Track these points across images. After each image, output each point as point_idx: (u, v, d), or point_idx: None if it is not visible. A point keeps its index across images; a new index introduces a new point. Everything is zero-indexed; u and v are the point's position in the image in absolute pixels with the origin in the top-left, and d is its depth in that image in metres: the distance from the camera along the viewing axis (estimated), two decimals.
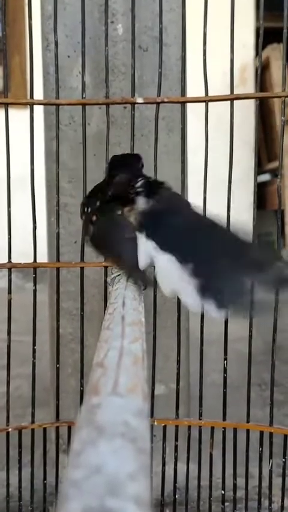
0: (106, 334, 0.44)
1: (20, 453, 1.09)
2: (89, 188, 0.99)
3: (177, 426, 1.11)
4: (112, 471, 0.22)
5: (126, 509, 0.20)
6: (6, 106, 1.03)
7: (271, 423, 1.06)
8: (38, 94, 1.16)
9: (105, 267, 1.05)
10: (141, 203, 0.72)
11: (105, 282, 0.83)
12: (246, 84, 3.96)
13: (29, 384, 1.09)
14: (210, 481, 1.11)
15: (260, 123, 4.00)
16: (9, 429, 1.07)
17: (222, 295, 0.54)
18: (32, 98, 1.05)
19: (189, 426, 1.11)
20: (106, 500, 0.20)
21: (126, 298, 0.57)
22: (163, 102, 1.04)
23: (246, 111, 3.59)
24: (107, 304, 0.58)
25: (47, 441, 1.11)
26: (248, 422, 1.08)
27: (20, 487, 1.10)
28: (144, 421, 0.28)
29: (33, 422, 1.09)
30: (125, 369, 0.35)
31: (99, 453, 0.24)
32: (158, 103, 1.04)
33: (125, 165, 0.85)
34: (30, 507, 1.13)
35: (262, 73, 3.70)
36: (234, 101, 1.04)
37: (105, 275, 1.06)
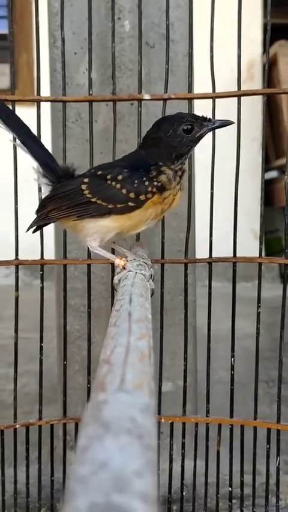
0: (113, 331, 0.44)
1: (27, 449, 1.09)
2: None
3: (184, 424, 1.11)
4: (118, 467, 0.22)
5: (132, 506, 0.20)
6: (13, 103, 1.03)
7: (278, 420, 1.06)
8: (45, 91, 1.16)
9: (112, 264, 1.05)
10: None
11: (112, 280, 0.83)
12: (254, 80, 3.94)
13: (37, 381, 1.09)
14: (218, 478, 1.11)
15: (268, 119, 3.98)
16: (17, 426, 1.08)
17: None
18: (39, 95, 1.05)
19: (197, 423, 1.11)
20: (112, 496, 0.20)
21: (133, 295, 0.56)
22: (170, 98, 1.04)
23: (253, 108, 3.58)
24: (114, 301, 0.58)
25: (54, 438, 1.11)
26: (255, 419, 1.08)
27: (27, 483, 1.10)
28: (151, 417, 0.28)
29: (40, 418, 1.09)
30: (131, 366, 0.35)
31: (106, 449, 0.24)
32: (165, 100, 1.03)
33: None
34: (37, 503, 1.13)
35: (270, 69, 3.68)
36: (242, 98, 1.04)
37: (113, 272, 1.06)
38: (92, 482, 0.21)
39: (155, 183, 0.80)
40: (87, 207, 0.83)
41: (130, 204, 0.80)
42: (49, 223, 0.92)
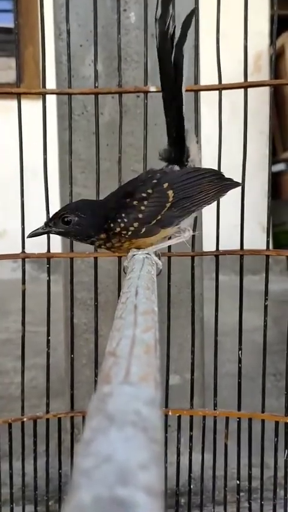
0: (118, 323, 0.44)
1: (35, 443, 1.09)
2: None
3: (191, 417, 1.11)
4: (123, 460, 0.22)
5: (136, 499, 0.20)
6: (18, 96, 1.03)
7: (287, 413, 1.06)
8: (51, 84, 1.16)
9: (119, 257, 1.05)
10: None
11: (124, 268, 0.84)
12: (261, 72, 3.92)
13: (45, 375, 1.10)
14: (225, 471, 1.11)
15: (275, 112, 3.96)
16: (24, 419, 1.08)
17: None
18: (45, 87, 1.04)
19: (204, 417, 1.11)
20: (116, 489, 0.20)
21: (139, 288, 0.56)
22: None
23: (260, 100, 3.56)
24: (120, 294, 0.58)
25: (62, 431, 1.11)
26: (263, 412, 1.08)
27: (35, 476, 1.11)
28: (156, 410, 0.28)
29: (48, 412, 1.09)
30: (137, 358, 0.35)
31: (110, 442, 0.23)
32: None
33: None
34: (45, 496, 1.14)
35: (277, 60, 3.66)
36: (249, 90, 1.03)
37: (119, 265, 1.06)
38: (96, 475, 0.21)
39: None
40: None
41: None
42: None
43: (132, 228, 0.79)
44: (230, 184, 0.88)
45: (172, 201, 0.80)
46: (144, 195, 0.80)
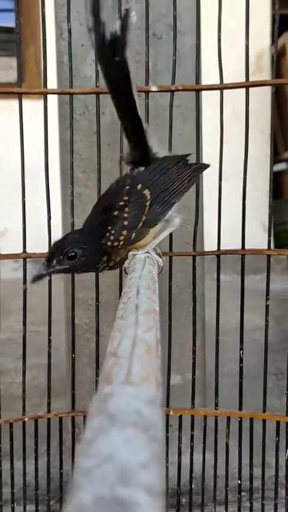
0: (120, 323, 0.44)
1: (36, 442, 1.09)
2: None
3: (193, 416, 1.11)
4: (124, 460, 0.22)
5: (137, 499, 0.20)
6: (20, 95, 1.03)
7: None
8: (53, 84, 1.16)
9: None
10: None
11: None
12: (263, 72, 3.92)
13: (46, 374, 1.10)
14: (227, 471, 1.11)
15: (277, 111, 3.96)
16: (26, 419, 1.08)
17: None
18: (46, 87, 1.04)
19: (205, 416, 1.11)
20: (117, 489, 0.20)
21: (140, 287, 0.56)
22: (178, 90, 1.03)
23: (262, 100, 3.54)
24: (121, 294, 0.58)
25: (63, 431, 1.11)
26: (264, 411, 1.08)
27: (36, 476, 1.11)
28: (157, 410, 0.28)
29: (49, 411, 1.09)
30: (138, 358, 0.35)
31: (111, 442, 0.23)
32: (172, 91, 1.03)
33: None
34: (46, 496, 1.14)
35: (278, 60, 3.66)
36: (250, 90, 1.03)
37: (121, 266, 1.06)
38: (97, 475, 0.21)
39: None
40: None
41: None
42: None
43: (122, 237, 0.79)
44: (200, 167, 0.89)
45: (150, 198, 0.80)
46: (122, 203, 0.80)
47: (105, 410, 0.27)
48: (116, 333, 0.42)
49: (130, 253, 0.81)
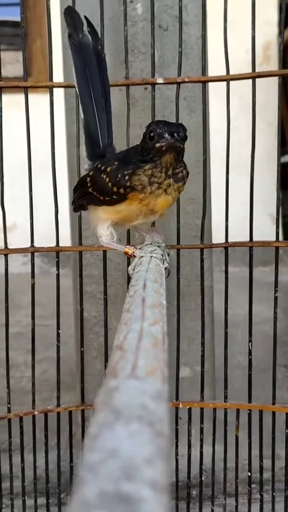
0: (126, 317, 0.44)
1: (46, 436, 1.10)
2: None
3: (202, 409, 1.11)
4: (128, 455, 0.22)
5: (141, 494, 0.20)
6: (26, 89, 1.03)
7: None
8: (59, 77, 1.16)
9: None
10: None
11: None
12: (270, 63, 3.88)
13: (55, 368, 1.10)
14: (236, 463, 1.10)
15: (284, 102, 3.93)
16: (36, 413, 1.08)
17: None
18: (52, 81, 1.04)
19: (215, 409, 1.11)
20: (122, 484, 0.20)
21: (147, 281, 0.56)
22: (184, 82, 1.03)
23: (269, 91, 3.51)
24: (129, 287, 0.58)
25: (72, 424, 1.11)
26: (273, 404, 1.07)
27: (46, 469, 1.11)
28: (163, 404, 0.28)
29: (58, 405, 1.09)
30: (144, 352, 0.34)
31: (116, 437, 0.23)
32: (178, 83, 1.02)
33: None
34: (57, 489, 1.14)
35: (285, 50, 3.63)
36: (257, 81, 1.02)
37: (128, 258, 1.06)
38: (102, 470, 0.21)
39: (128, 183, 0.78)
40: (90, 198, 0.86)
41: (114, 196, 0.80)
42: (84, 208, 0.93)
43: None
44: None
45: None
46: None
47: (111, 405, 0.27)
48: (122, 326, 0.42)
49: (137, 251, 0.80)
